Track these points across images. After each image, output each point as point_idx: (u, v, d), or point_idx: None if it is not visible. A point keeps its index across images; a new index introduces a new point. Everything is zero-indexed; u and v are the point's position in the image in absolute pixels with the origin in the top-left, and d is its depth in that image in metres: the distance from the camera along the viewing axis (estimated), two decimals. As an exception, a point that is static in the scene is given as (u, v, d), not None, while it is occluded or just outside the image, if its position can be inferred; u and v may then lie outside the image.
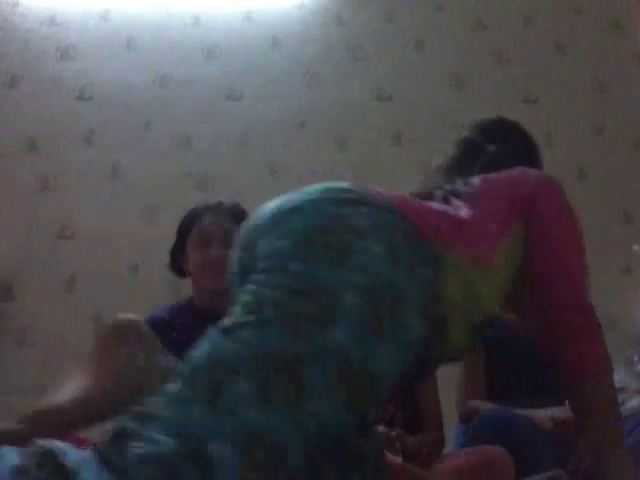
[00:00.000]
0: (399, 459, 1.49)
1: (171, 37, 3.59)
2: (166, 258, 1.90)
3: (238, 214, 1.86)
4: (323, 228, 0.96)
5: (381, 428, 1.59)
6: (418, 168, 3.43)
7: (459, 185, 1.25)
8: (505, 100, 3.62)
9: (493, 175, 1.27)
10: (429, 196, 1.23)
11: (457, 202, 1.18)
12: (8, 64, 3.49)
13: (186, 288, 1.87)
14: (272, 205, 1.05)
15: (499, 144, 1.46)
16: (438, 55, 3.66)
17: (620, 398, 2.25)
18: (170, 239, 1.89)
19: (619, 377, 2.43)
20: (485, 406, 1.83)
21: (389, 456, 1.48)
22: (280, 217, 1.00)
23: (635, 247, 3.19)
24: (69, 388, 1.32)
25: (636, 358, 2.97)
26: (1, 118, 3.43)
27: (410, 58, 3.64)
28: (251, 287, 0.96)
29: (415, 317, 0.97)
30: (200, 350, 0.92)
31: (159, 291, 2.74)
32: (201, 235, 1.80)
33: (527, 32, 3.76)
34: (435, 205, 1.15)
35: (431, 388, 1.85)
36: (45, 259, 3.22)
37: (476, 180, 1.24)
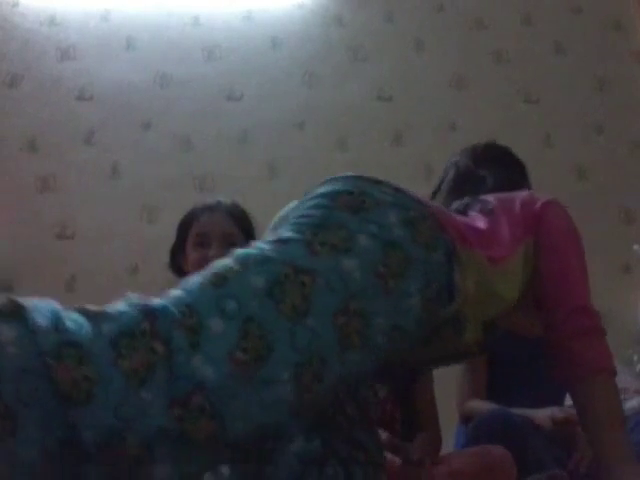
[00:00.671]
0: (398, 460, 1.49)
1: (171, 37, 3.59)
2: (166, 258, 1.90)
3: (237, 213, 1.86)
4: (345, 192, 1.04)
5: (382, 433, 1.58)
6: (418, 168, 3.45)
7: (472, 201, 1.33)
8: (505, 100, 3.63)
9: (505, 194, 1.36)
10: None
11: (474, 214, 1.27)
12: (8, 64, 3.49)
13: (186, 288, 1.87)
14: None
15: (493, 170, 1.53)
16: (438, 55, 3.66)
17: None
18: (170, 239, 1.89)
19: (619, 377, 2.44)
20: (485, 406, 1.83)
21: (388, 456, 1.48)
22: (311, 191, 1.09)
23: (635, 247, 3.20)
24: None
25: (636, 358, 2.99)
26: (1, 118, 3.43)
27: (410, 58, 3.64)
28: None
29: (417, 293, 1.00)
30: None
31: (159, 291, 2.74)
32: (199, 235, 1.80)
33: (527, 32, 3.76)
34: (454, 214, 1.23)
35: (426, 387, 1.85)
36: (45, 259, 3.22)
37: (490, 197, 1.32)
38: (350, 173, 1.10)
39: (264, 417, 0.86)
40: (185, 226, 1.86)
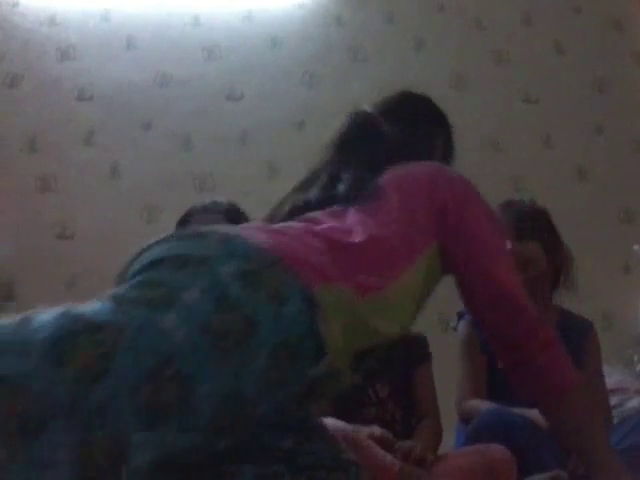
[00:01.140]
0: (398, 462, 1.48)
1: (171, 37, 3.59)
2: (166, 258, 1.89)
3: (233, 214, 1.86)
4: (165, 257, 0.91)
5: (377, 429, 1.58)
6: (418, 168, 3.44)
7: (359, 184, 1.15)
8: (505, 100, 3.62)
9: (401, 174, 1.17)
10: (325, 203, 1.14)
11: (354, 216, 1.08)
12: (8, 64, 3.49)
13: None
14: None
15: (402, 125, 1.31)
16: (438, 55, 3.66)
17: (620, 398, 2.26)
18: (170, 239, 1.89)
19: (619, 377, 2.44)
20: (485, 405, 1.83)
21: (387, 459, 1.48)
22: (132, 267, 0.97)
23: (635, 247, 3.20)
24: None
25: (636, 358, 2.99)
26: (1, 118, 3.43)
27: (410, 58, 3.64)
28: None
29: (265, 354, 0.84)
30: None
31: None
32: None
33: (527, 32, 3.76)
34: (322, 227, 1.04)
35: (425, 380, 1.85)
36: (45, 259, 3.22)
37: (381, 181, 1.15)
38: (171, 234, 0.97)
39: None
40: (182, 226, 1.86)
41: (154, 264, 0.90)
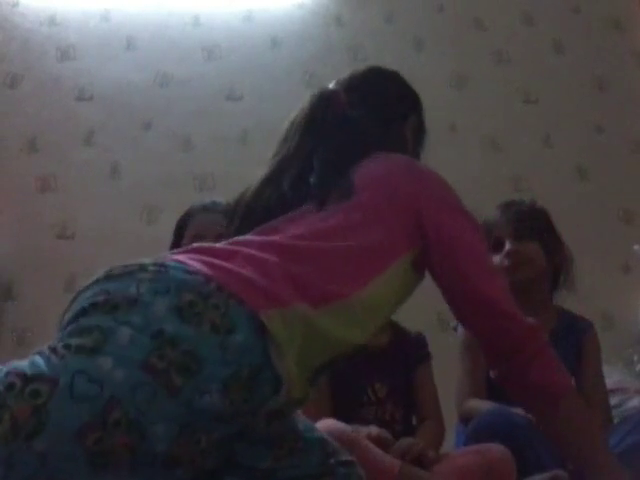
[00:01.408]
0: (397, 463, 1.48)
1: (171, 37, 3.59)
2: (166, 258, 1.89)
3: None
4: (94, 303, 0.88)
5: (374, 428, 1.58)
6: (418, 168, 3.44)
7: (330, 181, 1.11)
8: (505, 100, 3.62)
9: (373, 171, 1.12)
10: (297, 199, 1.12)
11: (322, 219, 1.05)
12: (8, 64, 3.49)
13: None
14: None
15: (370, 104, 1.24)
16: (438, 55, 3.66)
17: (620, 398, 2.26)
18: (170, 239, 1.89)
19: (619, 377, 2.44)
20: (485, 405, 1.83)
21: (386, 460, 1.48)
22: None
23: (635, 247, 3.20)
24: None
25: (636, 358, 2.98)
26: (1, 118, 3.43)
27: (410, 58, 3.63)
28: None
29: (215, 389, 0.82)
30: None
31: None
32: (195, 236, 1.81)
33: (527, 32, 3.76)
34: (282, 237, 1.00)
35: (425, 380, 1.85)
36: (45, 259, 3.22)
37: (354, 178, 1.10)
38: (100, 274, 0.94)
39: None
40: (181, 227, 1.87)
41: (85, 311, 0.87)
